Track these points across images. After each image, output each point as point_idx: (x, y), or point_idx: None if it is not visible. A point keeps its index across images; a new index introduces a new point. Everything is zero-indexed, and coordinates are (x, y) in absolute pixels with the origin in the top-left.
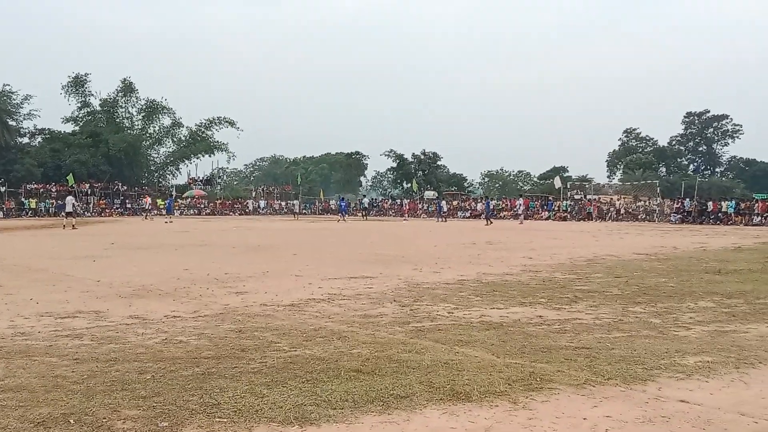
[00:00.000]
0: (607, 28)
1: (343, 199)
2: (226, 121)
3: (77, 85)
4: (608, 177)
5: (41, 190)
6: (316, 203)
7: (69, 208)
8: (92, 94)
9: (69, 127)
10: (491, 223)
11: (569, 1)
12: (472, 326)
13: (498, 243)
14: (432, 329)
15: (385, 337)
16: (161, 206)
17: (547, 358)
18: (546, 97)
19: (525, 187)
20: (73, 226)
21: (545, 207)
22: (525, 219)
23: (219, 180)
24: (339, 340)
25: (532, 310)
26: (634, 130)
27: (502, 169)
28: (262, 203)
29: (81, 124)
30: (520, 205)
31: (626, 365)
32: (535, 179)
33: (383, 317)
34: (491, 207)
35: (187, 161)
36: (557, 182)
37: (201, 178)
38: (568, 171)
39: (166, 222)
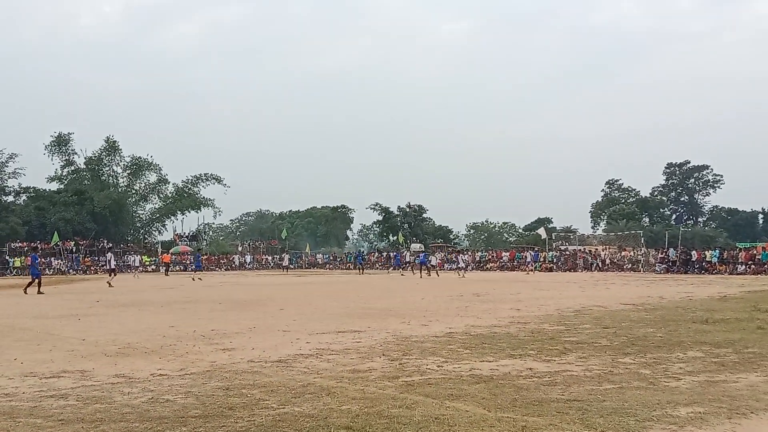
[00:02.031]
0: (584, 84)
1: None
2: (213, 178)
3: (60, 143)
4: (592, 227)
5: (26, 248)
6: (303, 257)
7: (111, 265)
8: (75, 153)
9: (54, 186)
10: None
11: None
12: (462, 380)
13: (485, 295)
14: (422, 383)
15: (374, 393)
16: (147, 263)
17: (539, 411)
18: (529, 151)
19: (510, 239)
20: (109, 284)
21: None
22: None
23: (205, 236)
24: (328, 396)
25: (522, 362)
26: (617, 181)
27: (487, 221)
28: (249, 258)
29: (66, 182)
30: (461, 259)
31: (618, 417)
32: (520, 230)
33: (372, 372)
34: (428, 259)
35: (173, 217)
36: (542, 233)
37: (187, 234)
38: (552, 222)
39: (195, 279)
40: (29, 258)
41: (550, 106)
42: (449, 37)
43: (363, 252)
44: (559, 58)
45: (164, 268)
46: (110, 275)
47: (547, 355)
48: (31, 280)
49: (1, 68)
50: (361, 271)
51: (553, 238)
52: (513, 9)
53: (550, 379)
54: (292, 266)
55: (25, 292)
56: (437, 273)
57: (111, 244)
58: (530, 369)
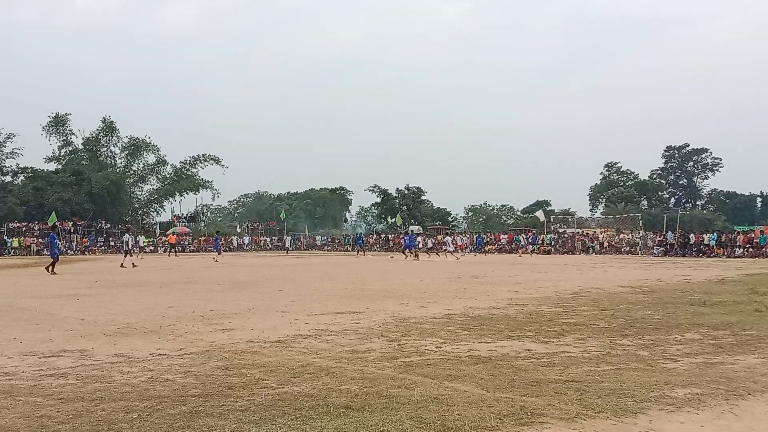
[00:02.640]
0: (584, 67)
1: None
2: (211, 159)
3: (57, 124)
4: (590, 210)
5: (24, 228)
6: (301, 239)
7: (127, 247)
8: (73, 133)
9: (52, 166)
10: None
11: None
12: (460, 361)
13: (483, 277)
14: (421, 364)
15: (373, 373)
16: (145, 244)
17: (537, 391)
18: (528, 134)
19: (508, 221)
20: (133, 264)
21: (529, 240)
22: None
23: (203, 217)
24: (327, 376)
25: (521, 343)
26: (615, 164)
27: (485, 204)
28: (247, 239)
29: (63, 162)
30: (450, 242)
31: (616, 398)
32: (518, 213)
33: (371, 352)
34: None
35: (171, 198)
36: (540, 215)
37: (185, 216)
38: (551, 205)
39: (214, 260)
40: (42, 238)
41: (549, 89)
42: (449, 20)
43: (362, 234)
44: (560, 41)
45: (170, 248)
46: (125, 256)
47: (546, 336)
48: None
49: None
50: (362, 253)
51: (552, 220)
52: None
53: (548, 360)
54: (290, 248)
55: (48, 272)
56: (437, 255)
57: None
58: (528, 350)
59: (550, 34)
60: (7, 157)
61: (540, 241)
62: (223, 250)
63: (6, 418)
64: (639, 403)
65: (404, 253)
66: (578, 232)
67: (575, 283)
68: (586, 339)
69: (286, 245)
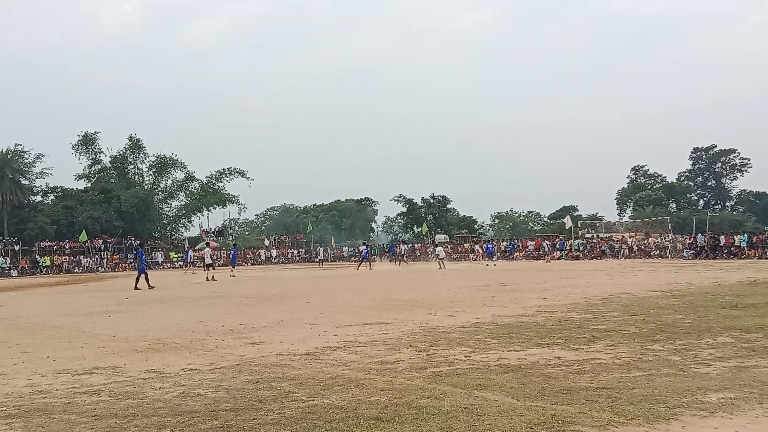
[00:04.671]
0: (608, 69)
1: (366, 245)
2: (237, 172)
3: (87, 143)
4: (618, 215)
5: (55, 247)
6: (328, 250)
7: (208, 260)
8: (102, 152)
9: (81, 184)
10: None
11: (568, 45)
12: (490, 369)
13: (511, 284)
14: (450, 374)
15: (402, 384)
16: (175, 259)
17: (568, 399)
18: (553, 139)
19: (535, 228)
20: (213, 277)
21: (557, 246)
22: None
23: (231, 231)
24: (357, 387)
25: (550, 351)
26: (642, 167)
27: (511, 210)
28: (274, 252)
29: (92, 180)
30: (441, 250)
31: (648, 404)
32: (545, 219)
33: (400, 363)
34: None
35: (198, 213)
36: (567, 221)
37: (213, 230)
38: (578, 210)
39: (231, 275)
40: (74, 256)
41: (573, 93)
42: (470, 27)
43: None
44: (582, 44)
45: (202, 263)
46: (207, 270)
47: (575, 343)
48: (137, 275)
49: (25, 69)
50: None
51: (579, 226)
52: None
53: (578, 367)
54: (322, 259)
55: (145, 287)
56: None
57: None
58: (558, 358)
59: (571, 38)
60: (36, 177)
61: (568, 247)
62: (251, 264)
63: None
64: (671, 409)
65: (366, 265)
66: (606, 237)
67: (605, 289)
68: (617, 345)
69: (319, 257)
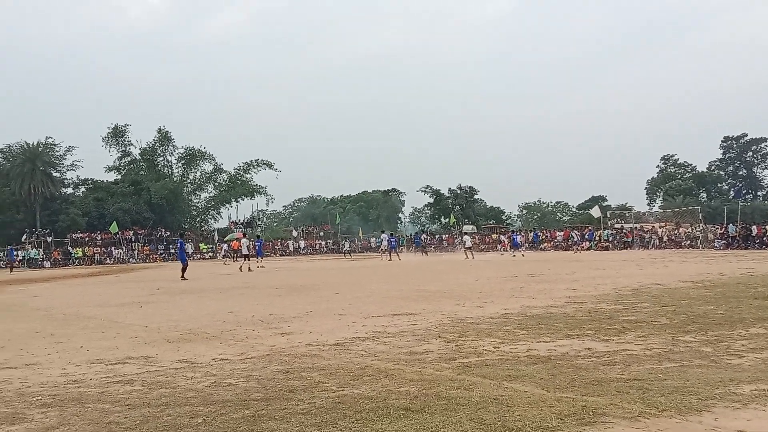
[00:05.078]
0: (637, 57)
1: (392, 235)
2: (264, 163)
3: (117, 135)
4: (648, 205)
5: (86, 238)
6: (355, 241)
7: (245, 251)
8: (132, 144)
9: (111, 176)
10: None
11: (597, 31)
12: (519, 360)
13: (540, 275)
14: (479, 365)
15: (432, 374)
16: (204, 250)
17: (599, 391)
18: (581, 128)
19: (564, 218)
20: (249, 267)
21: (586, 237)
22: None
23: (259, 222)
24: (386, 378)
25: (580, 342)
26: (672, 156)
27: (539, 201)
28: (302, 243)
29: (123, 173)
30: (468, 239)
31: (680, 396)
32: (573, 209)
33: (429, 354)
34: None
35: (227, 205)
36: (596, 212)
37: (241, 221)
38: (606, 200)
39: (259, 267)
40: (105, 248)
41: (601, 80)
42: (494, 15)
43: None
44: (608, 30)
45: (234, 254)
46: (244, 261)
47: (606, 334)
48: (182, 266)
49: (54, 62)
50: (424, 252)
51: (608, 216)
52: None
53: (609, 358)
54: (348, 250)
55: (183, 279)
56: (470, 255)
57: (168, 233)
58: (588, 349)
59: (597, 25)
60: (67, 170)
61: (597, 238)
62: (279, 255)
63: (76, 425)
64: (704, 400)
65: (394, 255)
66: (636, 227)
67: (635, 280)
68: (648, 336)
69: (345, 248)
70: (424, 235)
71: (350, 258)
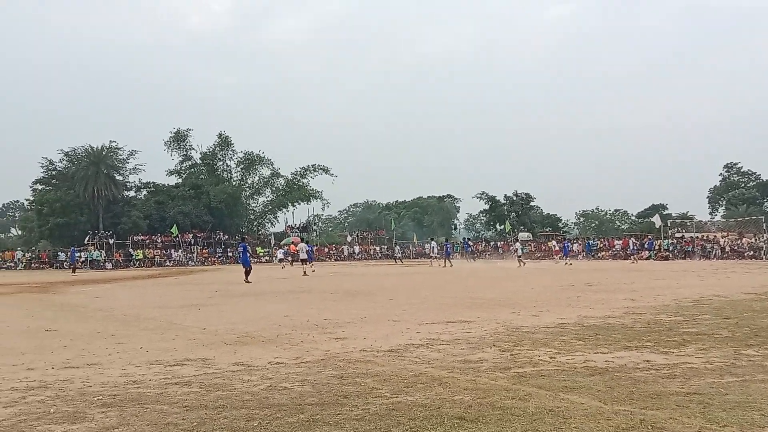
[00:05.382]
0: (699, 65)
1: (448, 241)
2: (321, 169)
3: (178, 139)
4: (710, 214)
5: (147, 241)
6: (410, 247)
7: (303, 255)
8: (193, 148)
9: (172, 180)
10: (451, 264)
11: (657, 38)
12: (576, 372)
13: (597, 284)
14: (534, 375)
15: (486, 383)
16: (261, 254)
17: (658, 404)
18: (641, 134)
19: (622, 227)
20: (305, 272)
21: (645, 246)
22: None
23: (315, 227)
24: (440, 386)
25: (639, 354)
26: (735, 164)
27: (597, 209)
28: (357, 248)
29: (183, 176)
30: (519, 247)
31: (742, 411)
32: (633, 218)
33: (483, 362)
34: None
35: (284, 209)
36: (656, 220)
37: (298, 226)
38: (667, 208)
39: (307, 272)
40: (165, 250)
41: (663, 88)
42: (555, 20)
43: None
44: (672, 38)
45: (291, 258)
46: (303, 265)
47: (665, 346)
48: (246, 270)
49: (118, 68)
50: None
51: (669, 225)
52: None
53: (668, 371)
54: (399, 256)
55: (246, 281)
56: (523, 263)
57: (226, 236)
58: (647, 361)
59: (659, 32)
60: (130, 173)
61: (657, 247)
62: (334, 260)
63: (135, 425)
64: (767, 416)
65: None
66: (697, 237)
67: (695, 291)
68: (709, 349)
69: (396, 254)
70: (470, 241)
71: (400, 263)
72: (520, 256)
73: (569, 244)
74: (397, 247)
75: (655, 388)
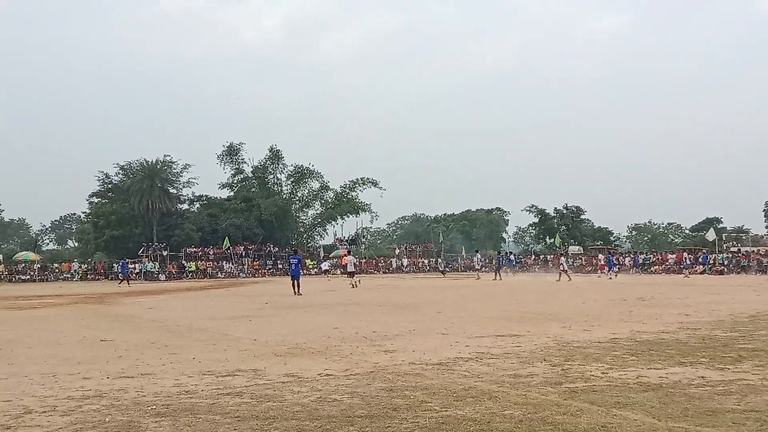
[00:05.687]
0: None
1: (499, 254)
2: (369, 182)
3: (231, 153)
4: (766, 227)
5: (200, 253)
6: (458, 260)
7: (351, 268)
8: (245, 162)
9: (224, 193)
10: (500, 278)
11: (709, 48)
12: (629, 387)
13: (650, 299)
14: (586, 390)
15: (537, 398)
16: (310, 266)
17: (713, 421)
18: (695, 147)
19: (676, 240)
20: (352, 284)
21: (699, 260)
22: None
23: (363, 239)
24: (490, 400)
25: (693, 370)
26: None
27: (650, 222)
28: (405, 261)
29: (235, 189)
30: (564, 261)
31: None
32: (686, 231)
33: (534, 377)
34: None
35: (333, 222)
36: (711, 234)
37: (346, 238)
38: (722, 222)
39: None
40: (217, 262)
41: (717, 98)
42: (607, 31)
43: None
44: (727, 47)
45: (341, 269)
46: (352, 278)
47: (721, 362)
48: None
49: (173, 84)
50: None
51: (723, 239)
52: None
53: (724, 388)
54: (443, 269)
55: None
56: (569, 276)
57: (276, 248)
58: (702, 377)
59: (712, 41)
60: (183, 186)
61: (711, 261)
62: (382, 272)
63: None
64: None
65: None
66: (753, 251)
67: (752, 306)
68: (766, 365)
69: (441, 267)
70: (512, 254)
71: (444, 276)
72: (565, 270)
73: (614, 257)
74: (440, 259)
75: (710, 404)
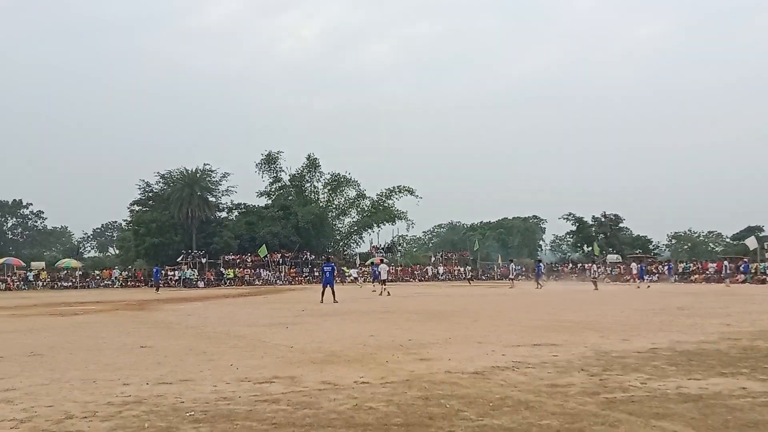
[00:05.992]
0: None
1: (539, 262)
2: (406, 190)
3: (269, 162)
4: None
5: (238, 260)
6: (495, 269)
7: (383, 276)
8: (282, 170)
9: (262, 201)
10: (540, 286)
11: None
12: (668, 398)
13: (690, 308)
14: (625, 401)
15: (575, 408)
16: (347, 274)
17: None
18: (736, 154)
19: (716, 249)
20: (389, 292)
21: (741, 269)
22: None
23: (399, 247)
24: (527, 410)
25: (735, 381)
26: None
27: (690, 230)
28: (441, 269)
29: (273, 197)
30: (595, 269)
31: None
32: (727, 240)
33: (571, 387)
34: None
35: (369, 230)
36: (752, 243)
37: (382, 246)
38: (764, 230)
39: (375, 291)
40: (254, 269)
41: (759, 104)
42: (647, 39)
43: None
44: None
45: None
46: (383, 285)
47: (763, 373)
48: (331, 289)
49: (214, 94)
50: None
51: (765, 247)
52: (714, 7)
53: (766, 399)
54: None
55: (334, 301)
56: (595, 285)
57: (313, 256)
58: (744, 388)
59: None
60: (222, 195)
61: (753, 270)
62: (418, 280)
63: None
64: None
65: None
66: None
67: None
68: None
69: (466, 275)
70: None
71: (471, 284)
72: (594, 278)
73: (645, 266)
74: (468, 267)
75: (751, 416)
